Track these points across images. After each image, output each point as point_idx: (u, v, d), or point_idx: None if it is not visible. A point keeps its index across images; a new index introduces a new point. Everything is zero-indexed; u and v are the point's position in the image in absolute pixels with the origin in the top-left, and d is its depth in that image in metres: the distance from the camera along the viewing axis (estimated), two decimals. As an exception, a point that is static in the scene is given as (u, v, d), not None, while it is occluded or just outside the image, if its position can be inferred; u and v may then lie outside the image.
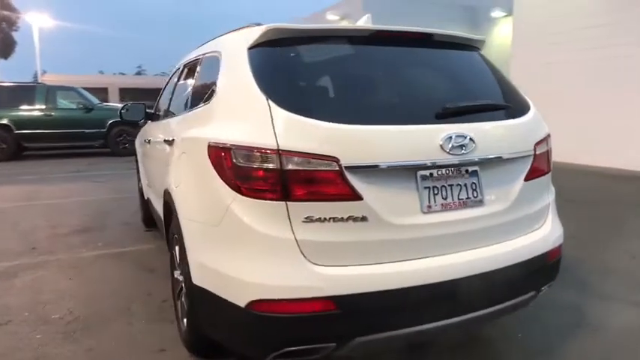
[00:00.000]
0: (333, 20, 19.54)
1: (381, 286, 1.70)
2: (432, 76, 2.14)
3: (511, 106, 2.12)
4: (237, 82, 1.95)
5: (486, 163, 1.92)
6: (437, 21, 16.72)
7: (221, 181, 1.79)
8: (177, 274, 2.64)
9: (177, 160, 2.36)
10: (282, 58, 1.96)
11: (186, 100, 2.74)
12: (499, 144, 1.96)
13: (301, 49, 1.98)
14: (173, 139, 2.58)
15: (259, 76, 1.84)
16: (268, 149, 1.67)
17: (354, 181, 1.69)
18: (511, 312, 2.09)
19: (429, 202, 1.82)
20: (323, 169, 1.67)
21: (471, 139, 1.85)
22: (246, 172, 1.71)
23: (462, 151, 1.83)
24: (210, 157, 1.87)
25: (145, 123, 4.51)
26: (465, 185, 1.89)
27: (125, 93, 21.21)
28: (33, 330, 2.72)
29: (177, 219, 2.20)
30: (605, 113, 8.37)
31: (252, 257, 1.72)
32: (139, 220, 5.16)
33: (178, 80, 3.39)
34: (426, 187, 1.81)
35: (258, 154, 1.68)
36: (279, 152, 1.66)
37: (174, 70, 3.76)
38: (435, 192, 1.83)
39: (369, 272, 1.71)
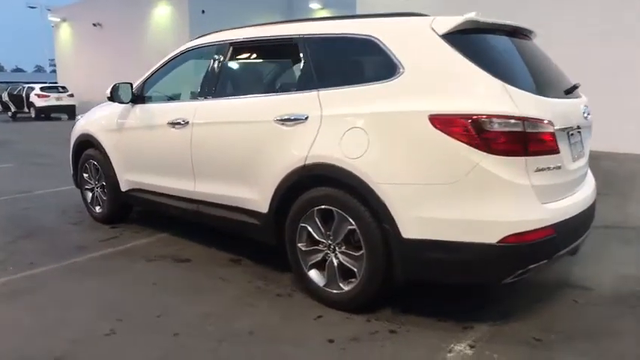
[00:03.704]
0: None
1: (572, 213, 2.37)
2: (544, 60, 2.81)
3: None
4: (447, 63, 2.29)
5: (585, 126, 2.74)
6: (255, 8, 17.44)
7: (463, 144, 2.16)
8: (301, 245, 2.77)
9: (340, 133, 2.49)
10: (483, 44, 2.39)
11: (309, 78, 2.75)
12: (589, 112, 2.80)
13: (489, 38, 2.44)
14: (307, 117, 2.66)
15: (477, 59, 2.25)
16: (517, 117, 2.13)
17: (558, 139, 2.30)
18: None
19: (574, 153, 2.54)
20: (546, 130, 2.22)
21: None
22: (497, 135, 2.13)
23: (589, 117, 2.61)
24: (438, 126, 2.20)
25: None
26: (579, 142, 2.67)
27: None
28: (147, 336, 2.48)
29: (363, 187, 2.40)
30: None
31: (499, 202, 2.16)
32: (84, 219, 4.52)
33: (228, 60, 3.25)
34: (572, 143, 2.53)
35: (511, 120, 2.13)
36: (523, 119, 2.15)
37: (199, 48, 3.51)
38: (573, 147, 2.56)
39: (565, 204, 2.36)
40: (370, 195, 2.40)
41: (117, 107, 4.00)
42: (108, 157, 4.10)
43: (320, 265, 2.75)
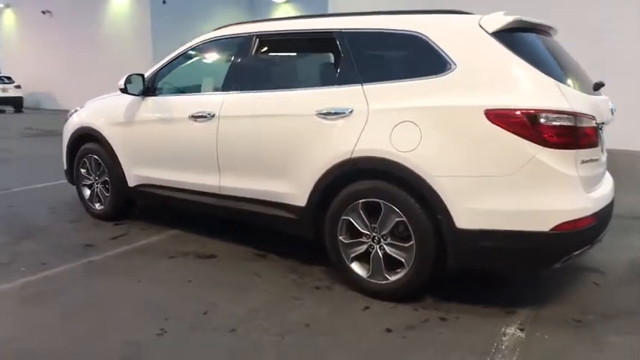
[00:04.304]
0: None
1: (605, 202, 2.55)
2: (568, 56, 2.89)
3: None
4: (499, 60, 2.40)
5: (610, 121, 2.92)
6: (217, 0, 17.07)
7: (519, 138, 2.27)
8: (343, 238, 2.80)
9: (390, 127, 2.54)
10: (526, 41, 2.52)
11: (351, 72, 2.77)
12: (615, 108, 2.99)
13: (528, 36, 2.57)
14: (351, 110, 2.69)
15: (525, 56, 2.37)
16: (570, 112, 2.27)
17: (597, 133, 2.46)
18: None
19: (602, 147, 2.72)
20: (592, 125, 2.38)
21: None
22: (552, 129, 2.25)
23: (614, 113, 2.80)
24: (494, 120, 2.30)
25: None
26: (602, 136, 2.86)
27: None
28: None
29: (415, 180, 2.47)
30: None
31: (553, 192, 2.30)
32: (81, 216, 4.31)
33: (257, 53, 3.20)
34: (600, 137, 2.71)
35: (565, 116, 2.26)
36: (574, 114, 2.29)
37: (218, 40, 3.43)
38: (601, 141, 2.74)
39: (600, 194, 2.53)
40: (423, 187, 2.47)
41: (124, 99, 3.84)
42: (113, 151, 3.93)
43: (361, 257, 2.79)
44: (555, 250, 2.37)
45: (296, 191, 2.95)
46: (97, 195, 4.22)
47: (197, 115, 3.34)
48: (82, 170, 4.28)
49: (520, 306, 2.67)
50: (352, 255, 2.80)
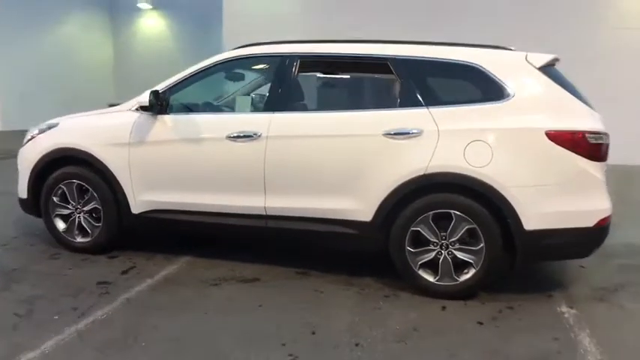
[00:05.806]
0: None
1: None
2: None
3: None
4: (548, 90, 2.95)
5: None
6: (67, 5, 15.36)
7: (573, 154, 2.83)
8: (410, 247, 3.05)
9: (462, 145, 2.89)
10: (559, 74, 3.09)
11: (414, 97, 3.04)
12: None
13: (555, 69, 3.15)
14: (421, 130, 2.97)
15: (567, 88, 2.97)
16: (604, 132, 2.92)
17: None
18: None
19: None
20: (607, 142, 3.06)
21: None
22: (595, 146, 2.86)
23: None
24: (554, 140, 2.83)
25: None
26: None
27: None
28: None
29: (488, 190, 2.86)
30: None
31: (594, 195, 2.92)
32: (57, 252, 3.72)
33: (301, 73, 3.26)
34: None
35: (602, 135, 2.89)
36: (605, 134, 2.94)
37: (251, 59, 3.37)
38: None
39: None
40: (495, 196, 2.88)
41: (124, 117, 3.51)
42: (113, 175, 3.51)
43: (427, 264, 3.07)
44: (595, 241, 3.00)
45: (360, 207, 3.10)
46: (79, 226, 3.68)
47: (237, 135, 3.24)
48: (55, 199, 3.69)
49: (550, 289, 3.25)
50: (420, 262, 3.07)
